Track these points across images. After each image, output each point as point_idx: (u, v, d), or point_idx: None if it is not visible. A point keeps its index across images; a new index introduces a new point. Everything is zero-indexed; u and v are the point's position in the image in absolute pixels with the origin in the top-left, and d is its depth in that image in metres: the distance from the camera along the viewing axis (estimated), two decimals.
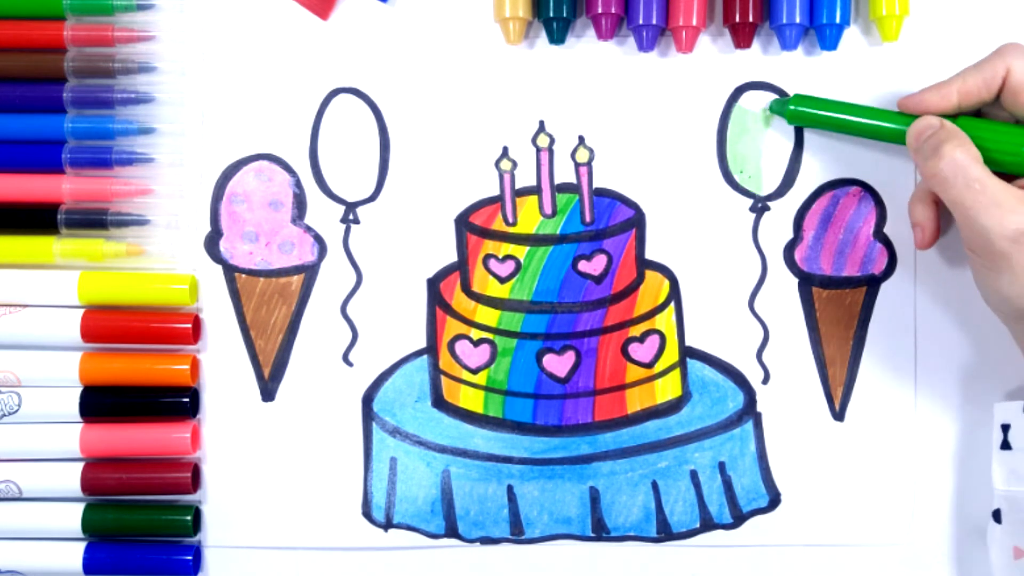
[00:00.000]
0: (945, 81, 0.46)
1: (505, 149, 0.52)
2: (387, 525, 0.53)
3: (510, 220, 0.52)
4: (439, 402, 0.53)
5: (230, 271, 0.52)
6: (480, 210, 0.52)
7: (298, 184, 0.52)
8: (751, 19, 0.49)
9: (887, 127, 0.48)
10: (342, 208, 0.52)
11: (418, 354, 0.53)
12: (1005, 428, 0.47)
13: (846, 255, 0.52)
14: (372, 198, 0.52)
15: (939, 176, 0.43)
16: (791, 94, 0.51)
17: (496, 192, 0.52)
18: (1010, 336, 0.47)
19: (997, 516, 0.47)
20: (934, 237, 0.49)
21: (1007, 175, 0.45)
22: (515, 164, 0.52)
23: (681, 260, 0.52)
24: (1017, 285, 0.42)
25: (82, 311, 0.51)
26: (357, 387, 0.53)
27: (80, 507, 0.51)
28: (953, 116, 0.47)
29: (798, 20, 0.49)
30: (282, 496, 0.53)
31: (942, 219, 0.49)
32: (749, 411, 0.52)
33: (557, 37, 0.50)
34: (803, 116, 0.50)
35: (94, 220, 0.51)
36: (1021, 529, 0.45)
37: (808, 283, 0.52)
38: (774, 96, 0.51)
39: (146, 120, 0.51)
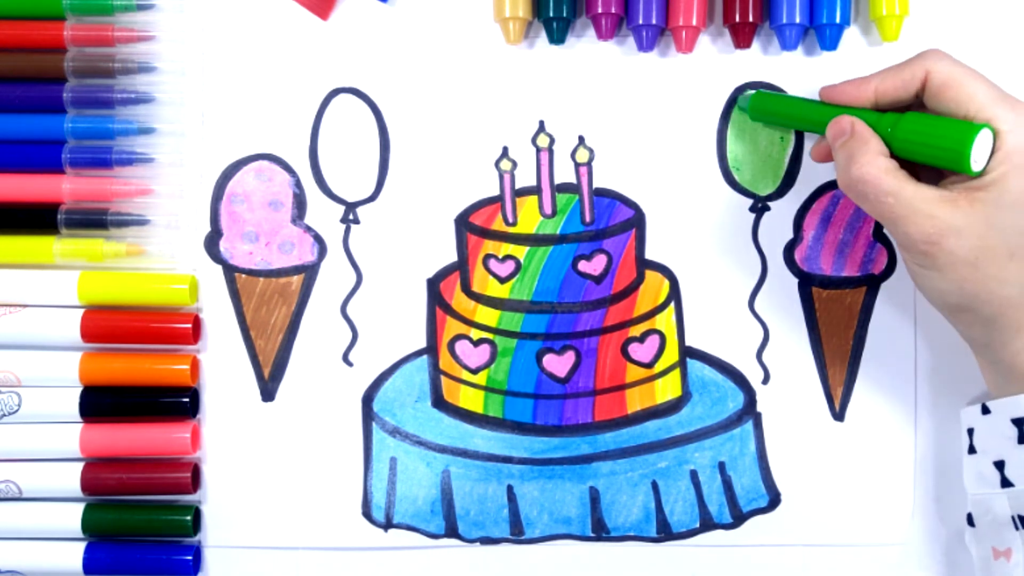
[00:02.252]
0: (865, 77, 0.46)
1: (505, 149, 0.52)
2: (387, 525, 0.53)
3: (510, 220, 0.52)
4: (439, 402, 0.53)
5: (230, 271, 0.52)
6: (480, 210, 0.52)
7: (298, 184, 0.52)
8: (751, 19, 0.49)
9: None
10: (342, 208, 0.52)
11: (418, 354, 0.53)
12: (970, 432, 0.47)
13: (846, 255, 0.52)
14: (372, 198, 0.52)
15: (853, 190, 0.44)
16: (791, 94, 0.51)
17: (496, 192, 0.52)
18: None
19: (971, 520, 0.48)
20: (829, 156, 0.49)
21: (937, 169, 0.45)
22: (515, 164, 0.52)
23: (681, 260, 0.52)
24: (945, 281, 0.42)
25: (82, 311, 0.51)
26: (357, 387, 0.53)
27: (80, 507, 0.51)
28: (881, 111, 0.46)
29: (798, 20, 0.49)
30: (282, 496, 0.53)
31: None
32: (749, 411, 0.52)
33: (557, 37, 0.50)
34: (762, 113, 0.50)
35: (94, 220, 0.51)
36: (994, 530, 0.45)
37: (808, 283, 0.52)
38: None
39: (146, 120, 0.51)
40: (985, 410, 0.46)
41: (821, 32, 0.50)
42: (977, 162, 0.42)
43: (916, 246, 0.42)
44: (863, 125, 0.44)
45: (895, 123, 0.44)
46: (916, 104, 0.45)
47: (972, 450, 0.47)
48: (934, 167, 0.44)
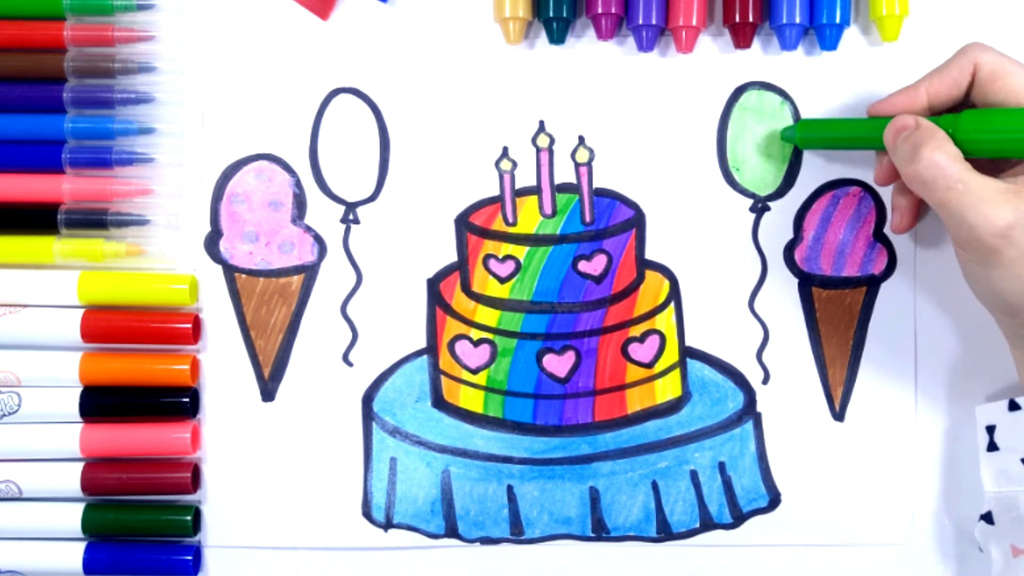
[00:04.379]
0: (914, 84, 0.46)
1: (505, 149, 0.52)
2: (387, 525, 0.53)
3: (510, 220, 0.52)
4: (439, 402, 0.53)
5: (230, 271, 0.52)
6: (480, 210, 0.52)
7: (298, 184, 0.52)
8: (751, 19, 0.49)
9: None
10: (342, 208, 0.52)
11: (418, 354, 0.53)
12: (990, 430, 0.47)
13: (846, 255, 0.52)
14: (372, 198, 0.52)
15: (920, 179, 0.43)
16: (791, 94, 0.51)
17: (496, 192, 0.52)
18: None
19: (989, 518, 0.47)
20: (911, 223, 0.49)
21: (996, 162, 0.45)
22: (515, 164, 0.52)
23: (681, 260, 0.52)
24: (1008, 279, 0.42)
25: (82, 311, 0.51)
26: (357, 387, 0.53)
27: (80, 507, 0.51)
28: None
29: (798, 20, 0.49)
30: (282, 496, 0.53)
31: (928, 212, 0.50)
32: (749, 411, 0.52)
33: (557, 37, 0.50)
34: (811, 140, 0.50)
35: (94, 220, 0.51)
36: (1016, 528, 0.45)
37: (808, 283, 0.52)
38: (774, 96, 0.51)
39: (146, 120, 0.51)
40: (1014, 406, 0.46)
41: (821, 32, 0.50)
42: None
43: (983, 239, 0.41)
44: (926, 120, 0.44)
45: (954, 123, 0.44)
46: (966, 103, 0.45)
47: (993, 447, 0.47)
48: (991, 163, 0.44)
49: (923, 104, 0.45)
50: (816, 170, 0.52)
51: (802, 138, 0.50)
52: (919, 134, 0.43)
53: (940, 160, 0.42)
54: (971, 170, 0.42)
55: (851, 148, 0.50)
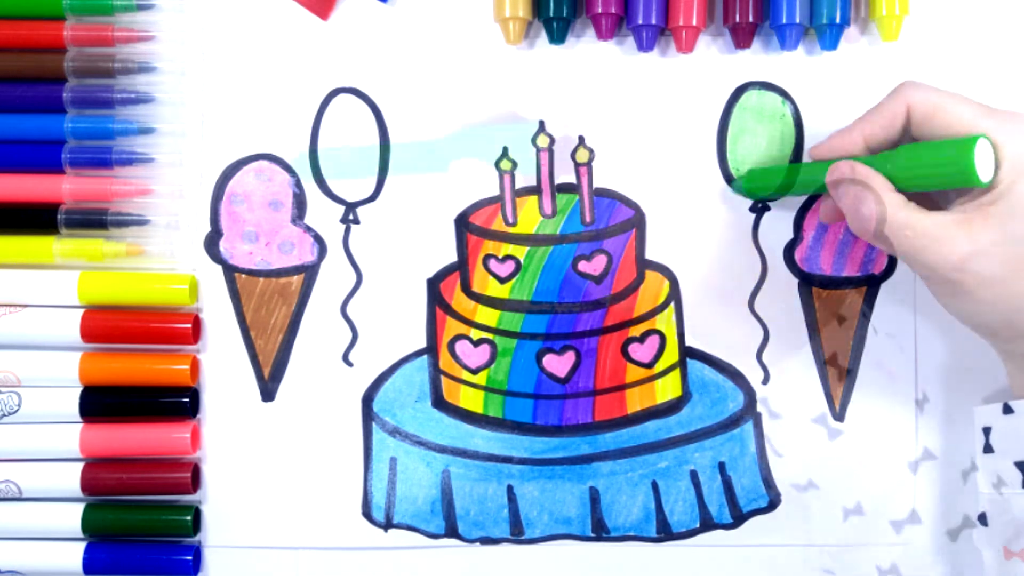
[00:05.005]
0: (848, 126, 0.46)
1: (505, 149, 0.52)
2: (387, 525, 0.53)
3: (510, 220, 0.52)
4: (439, 402, 0.53)
5: (230, 271, 0.52)
6: (480, 210, 0.52)
7: (298, 184, 0.52)
8: (751, 19, 0.49)
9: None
10: (342, 208, 0.52)
11: (418, 354, 0.53)
12: (986, 431, 0.47)
13: (846, 255, 0.52)
14: (372, 198, 0.52)
15: (867, 234, 0.44)
16: (791, 94, 0.51)
17: (496, 192, 0.52)
18: None
19: (983, 519, 0.47)
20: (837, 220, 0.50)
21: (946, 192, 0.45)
22: (515, 164, 0.52)
23: (681, 260, 0.52)
24: (976, 304, 0.42)
25: (82, 311, 0.51)
26: (357, 387, 0.53)
27: (80, 507, 0.51)
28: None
29: (798, 20, 0.49)
30: (282, 496, 0.53)
31: None
32: (749, 411, 0.52)
33: (557, 37, 0.50)
34: (758, 188, 0.50)
35: (94, 220, 0.51)
36: (1009, 530, 0.45)
37: (808, 283, 0.52)
38: (774, 96, 0.51)
39: (146, 120, 0.51)
40: (1008, 410, 0.46)
41: (821, 32, 0.50)
42: (984, 172, 0.41)
43: (944, 275, 0.41)
44: (862, 165, 0.44)
45: (891, 159, 0.43)
46: (906, 139, 0.45)
47: (989, 449, 0.47)
48: (940, 193, 0.43)
49: (859, 144, 0.45)
50: None
51: (750, 188, 0.50)
52: (856, 186, 0.43)
53: (881, 213, 0.42)
54: (917, 209, 0.42)
55: (802, 194, 0.50)
